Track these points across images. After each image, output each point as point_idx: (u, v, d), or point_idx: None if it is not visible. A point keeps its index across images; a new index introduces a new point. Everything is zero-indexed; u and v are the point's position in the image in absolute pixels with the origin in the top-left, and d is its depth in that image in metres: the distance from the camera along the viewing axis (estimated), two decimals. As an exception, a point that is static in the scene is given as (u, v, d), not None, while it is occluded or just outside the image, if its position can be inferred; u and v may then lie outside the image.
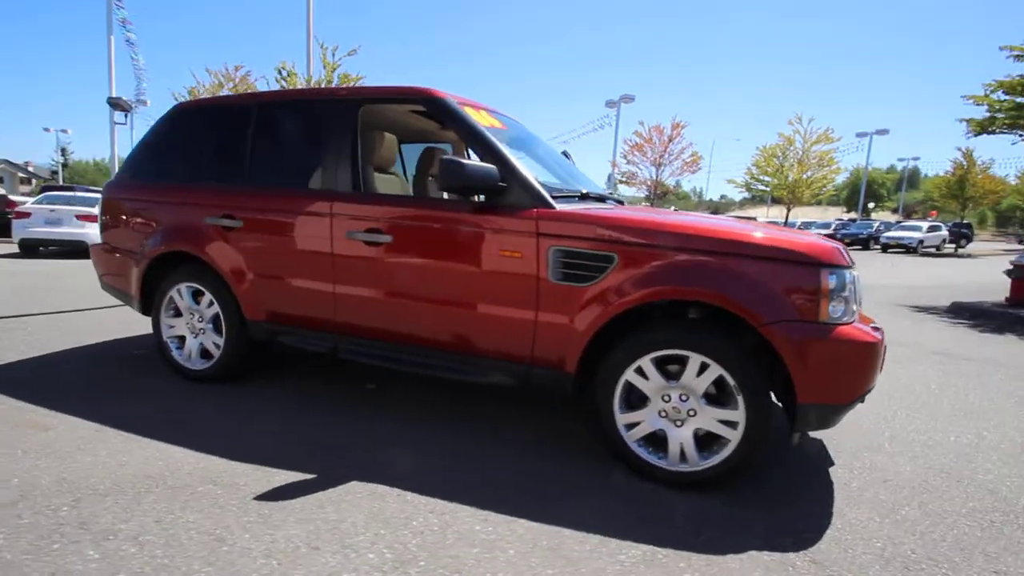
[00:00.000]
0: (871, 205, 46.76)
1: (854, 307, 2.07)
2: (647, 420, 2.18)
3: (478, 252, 2.37)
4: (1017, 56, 7.80)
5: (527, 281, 2.28)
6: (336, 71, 12.58)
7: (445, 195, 3.67)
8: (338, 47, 12.41)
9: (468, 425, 2.68)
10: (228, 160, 2.99)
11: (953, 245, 26.12)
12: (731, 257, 2.04)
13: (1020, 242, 30.48)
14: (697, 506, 2.04)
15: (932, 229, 24.34)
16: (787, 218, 22.86)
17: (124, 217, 3.29)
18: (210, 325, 3.04)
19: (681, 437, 2.13)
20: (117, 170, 3.56)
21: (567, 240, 2.22)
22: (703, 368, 2.06)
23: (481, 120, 2.59)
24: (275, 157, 2.91)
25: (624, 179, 25.11)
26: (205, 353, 3.09)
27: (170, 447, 2.28)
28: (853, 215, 42.42)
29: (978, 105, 8.34)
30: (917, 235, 23.14)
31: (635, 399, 2.21)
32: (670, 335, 2.09)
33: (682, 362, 2.11)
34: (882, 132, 29.97)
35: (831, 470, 2.42)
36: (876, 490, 2.24)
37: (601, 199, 2.76)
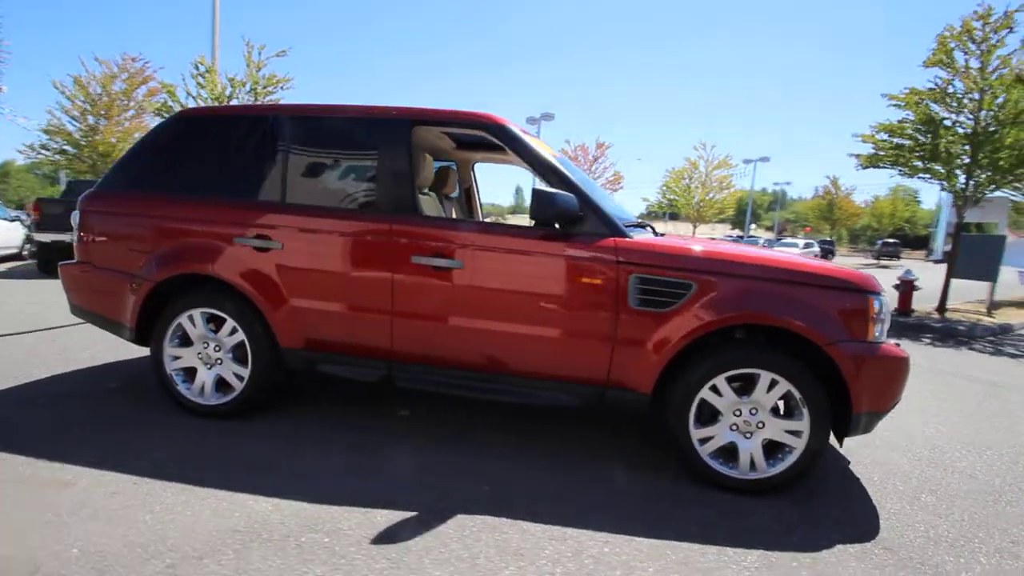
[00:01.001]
0: (753, 224, 52.58)
1: (887, 327, 2.42)
2: (719, 434, 2.37)
3: (558, 279, 2.43)
4: (895, 104, 9.34)
5: (607, 307, 2.38)
6: (261, 70, 11.72)
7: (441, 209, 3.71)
8: (265, 46, 11.63)
9: (528, 446, 2.70)
10: (257, 176, 2.75)
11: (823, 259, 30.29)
12: (796, 286, 2.31)
13: (874, 257, 36.07)
14: (773, 509, 2.25)
15: (807, 245, 28.00)
16: (694, 233, 25.10)
17: (115, 233, 2.88)
18: (230, 355, 2.76)
19: (751, 448, 2.34)
20: (103, 178, 3.10)
21: (648, 268, 2.36)
22: (772, 384, 2.29)
23: (542, 149, 2.66)
24: (316, 175, 2.74)
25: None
26: (220, 386, 2.80)
27: (235, 495, 2.06)
28: (739, 232, 47.44)
29: (865, 143, 9.84)
30: (796, 250, 26.49)
31: (706, 415, 2.40)
32: (745, 355, 2.31)
33: (747, 379, 2.33)
34: (764, 159, 34.09)
35: (850, 467, 2.77)
36: (894, 482, 2.61)
37: (643, 226, 2.94)
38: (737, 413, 2.34)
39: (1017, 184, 9.18)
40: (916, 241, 48.39)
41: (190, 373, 2.84)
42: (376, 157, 2.66)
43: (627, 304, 2.37)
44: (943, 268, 9.79)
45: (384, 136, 2.65)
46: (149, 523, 1.84)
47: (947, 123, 8.81)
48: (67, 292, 3.06)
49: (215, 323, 2.78)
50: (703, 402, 2.36)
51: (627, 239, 2.41)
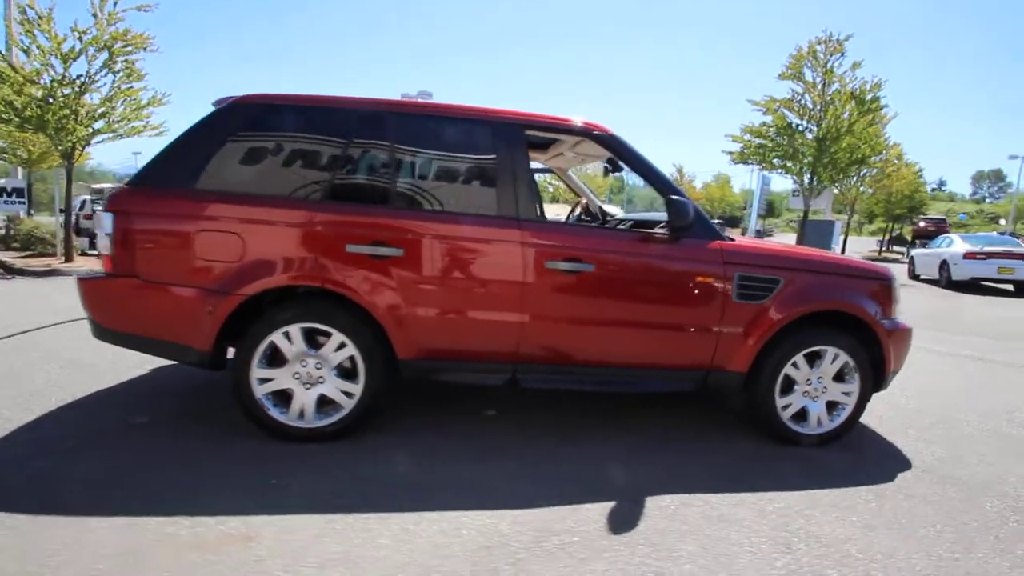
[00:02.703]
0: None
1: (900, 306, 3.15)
2: (796, 401, 2.90)
3: (677, 279, 2.71)
4: (758, 109, 11.14)
5: (716, 301, 2.74)
6: (115, 25, 9.56)
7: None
8: (124, -6, 9.46)
9: (619, 433, 2.98)
10: (358, 177, 2.54)
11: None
12: (851, 278, 2.91)
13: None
14: (837, 456, 2.85)
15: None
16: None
17: (178, 240, 2.42)
18: (334, 371, 2.55)
19: (818, 409, 2.92)
20: (141, 171, 2.49)
21: (747, 267, 2.76)
22: (835, 357, 2.88)
23: None
24: (429, 177, 2.61)
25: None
26: (320, 406, 2.57)
27: (442, 514, 2.03)
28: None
29: (735, 142, 11.59)
30: (652, 230, 30.04)
31: (784, 386, 2.90)
32: (821, 335, 2.84)
33: (815, 354, 2.88)
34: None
35: (849, 415, 3.54)
36: (885, 425, 3.41)
37: None
38: (808, 382, 2.90)
39: (840, 180, 11.65)
40: (732, 220, 57.72)
41: (280, 396, 2.56)
42: (494, 161, 2.64)
43: (731, 298, 2.75)
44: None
45: (501, 140, 2.64)
46: (396, 558, 1.75)
47: (800, 128, 10.83)
48: (94, 313, 2.50)
49: (319, 338, 2.53)
50: (785, 375, 2.86)
51: (728, 242, 2.79)
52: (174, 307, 2.44)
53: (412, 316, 2.54)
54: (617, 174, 3.58)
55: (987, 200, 77.50)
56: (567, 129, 2.83)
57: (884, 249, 29.05)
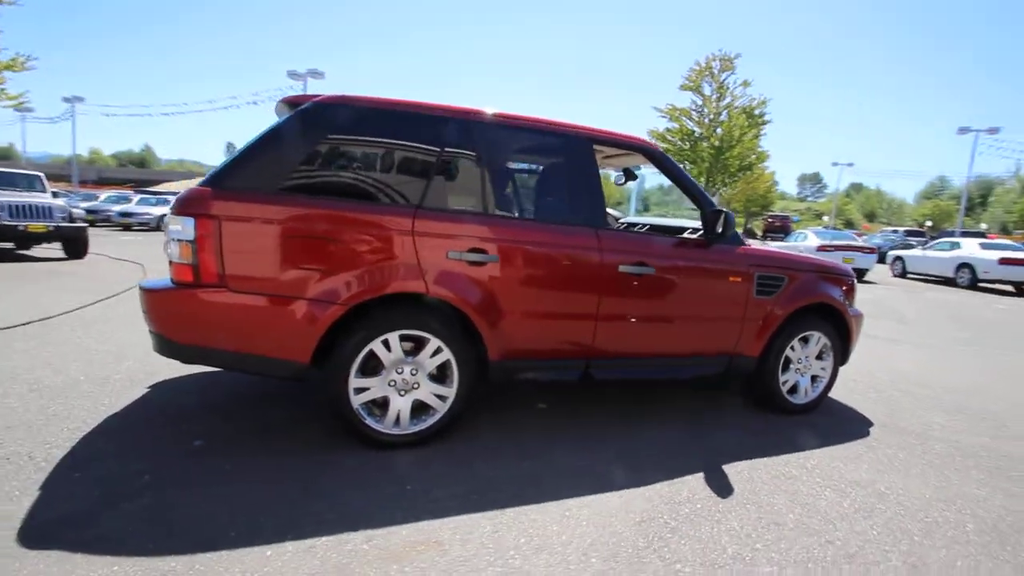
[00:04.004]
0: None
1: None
2: (791, 377, 3.54)
3: (717, 278, 3.16)
4: (663, 115, 12.35)
5: (743, 297, 3.24)
6: None
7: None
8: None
9: (674, 417, 3.40)
10: (455, 184, 2.58)
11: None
12: (830, 275, 3.60)
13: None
14: (821, 420, 3.54)
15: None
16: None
17: (280, 246, 2.26)
18: (426, 376, 2.59)
19: (806, 383, 3.59)
20: (220, 171, 2.22)
21: (763, 268, 3.30)
22: (819, 340, 3.56)
23: None
24: (518, 186, 2.73)
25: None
26: (415, 412, 2.61)
27: (581, 499, 2.24)
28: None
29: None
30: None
31: (783, 366, 3.52)
32: (810, 323, 3.49)
33: (804, 339, 3.54)
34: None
35: (806, 386, 4.34)
36: (839, 393, 4.25)
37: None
38: (799, 361, 3.55)
39: (730, 184, 13.40)
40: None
41: (374, 405, 2.54)
42: (574, 173, 2.84)
43: (752, 294, 3.28)
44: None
45: (578, 152, 2.85)
46: (579, 540, 1.94)
47: (699, 137, 12.24)
48: (167, 328, 2.26)
49: (414, 344, 2.56)
50: (785, 357, 3.48)
51: (749, 247, 3.30)
52: (271, 319, 2.30)
53: (505, 319, 2.67)
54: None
55: (809, 199, 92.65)
56: (626, 144, 3.12)
57: (742, 241, 33.56)
